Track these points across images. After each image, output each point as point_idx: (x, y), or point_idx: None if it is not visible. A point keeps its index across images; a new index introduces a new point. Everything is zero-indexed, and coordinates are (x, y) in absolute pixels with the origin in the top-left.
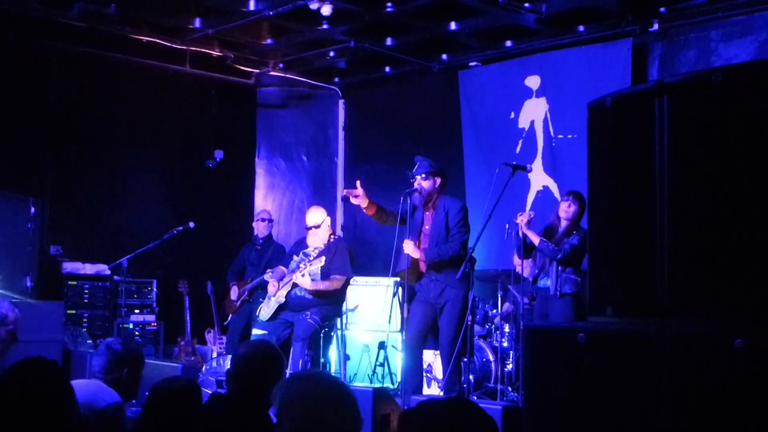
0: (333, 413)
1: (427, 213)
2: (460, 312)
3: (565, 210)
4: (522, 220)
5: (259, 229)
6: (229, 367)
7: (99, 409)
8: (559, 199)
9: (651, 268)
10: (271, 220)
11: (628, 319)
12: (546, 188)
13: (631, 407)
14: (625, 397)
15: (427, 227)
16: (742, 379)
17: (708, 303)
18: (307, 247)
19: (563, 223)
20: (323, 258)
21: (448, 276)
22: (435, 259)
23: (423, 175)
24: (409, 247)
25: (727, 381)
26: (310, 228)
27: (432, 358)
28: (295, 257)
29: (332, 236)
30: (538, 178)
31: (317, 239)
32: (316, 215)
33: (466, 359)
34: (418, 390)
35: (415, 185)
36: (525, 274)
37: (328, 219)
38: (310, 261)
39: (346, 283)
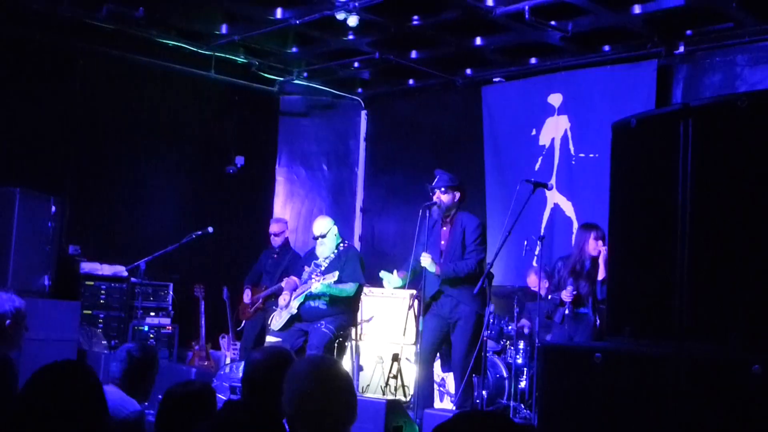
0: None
1: (444, 228)
2: (473, 329)
3: (601, 249)
4: (567, 296)
5: (272, 240)
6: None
7: (120, 418)
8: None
9: (670, 291)
10: (279, 234)
11: (646, 341)
12: (557, 206)
13: (645, 429)
14: (640, 419)
15: (443, 242)
16: (758, 405)
17: (726, 327)
18: (317, 257)
19: (600, 263)
20: (336, 273)
21: (461, 292)
22: (450, 275)
23: (442, 189)
24: (426, 261)
25: (743, 406)
26: (317, 238)
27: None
28: (306, 268)
29: (342, 244)
30: (552, 196)
31: (325, 249)
32: (323, 224)
33: (476, 376)
34: (429, 403)
35: (434, 198)
36: (542, 293)
37: (335, 228)
38: (321, 271)
39: (359, 290)
